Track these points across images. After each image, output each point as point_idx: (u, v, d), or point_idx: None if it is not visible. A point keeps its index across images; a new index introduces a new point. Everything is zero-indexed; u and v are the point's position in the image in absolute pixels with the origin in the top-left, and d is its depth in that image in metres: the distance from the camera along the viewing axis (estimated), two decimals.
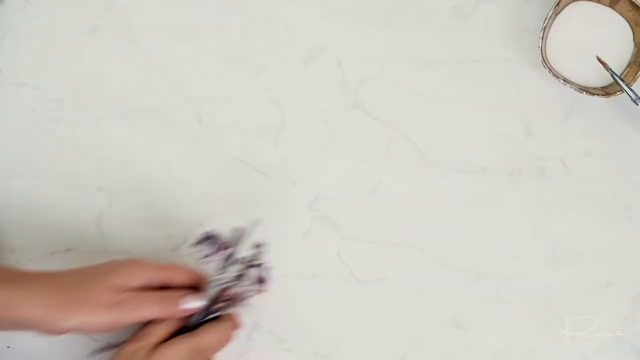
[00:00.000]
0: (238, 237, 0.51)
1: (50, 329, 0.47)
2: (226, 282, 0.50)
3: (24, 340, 0.56)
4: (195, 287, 0.51)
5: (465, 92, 0.59)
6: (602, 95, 0.56)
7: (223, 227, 0.51)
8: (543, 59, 0.56)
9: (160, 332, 0.48)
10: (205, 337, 0.49)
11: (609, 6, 0.57)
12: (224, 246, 0.51)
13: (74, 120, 0.58)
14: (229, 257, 0.51)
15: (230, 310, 0.51)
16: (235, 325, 0.52)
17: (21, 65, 0.59)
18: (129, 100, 0.59)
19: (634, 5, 0.56)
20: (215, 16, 0.59)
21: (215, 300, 0.50)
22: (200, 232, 0.51)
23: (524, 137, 0.58)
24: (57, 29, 0.59)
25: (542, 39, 0.56)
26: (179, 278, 0.50)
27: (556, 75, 0.56)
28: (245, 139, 0.58)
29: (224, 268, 0.51)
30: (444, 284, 0.57)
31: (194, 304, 0.50)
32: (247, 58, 0.59)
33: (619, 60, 0.57)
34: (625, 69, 0.57)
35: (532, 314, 0.56)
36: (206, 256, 0.50)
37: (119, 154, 0.58)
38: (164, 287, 0.50)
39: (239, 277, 0.51)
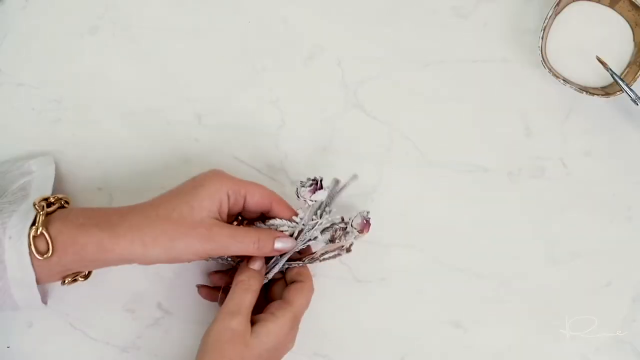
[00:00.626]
0: (335, 188, 0.53)
1: (146, 262, 0.49)
2: (317, 228, 0.51)
3: (24, 340, 0.56)
4: (268, 213, 0.52)
5: (465, 92, 0.59)
6: (602, 95, 0.56)
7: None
8: (543, 59, 0.56)
9: (251, 301, 0.49)
10: (300, 303, 0.50)
11: (609, 6, 0.57)
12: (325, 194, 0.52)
13: (74, 120, 0.58)
14: (324, 204, 0.52)
15: (313, 262, 0.53)
16: (312, 285, 0.52)
17: (21, 65, 0.59)
18: (129, 100, 0.59)
19: (634, 5, 0.56)
20: (215, 16, 0.59)
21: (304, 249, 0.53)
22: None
23: (524, 137, 0.58)
24: (57, 29, 0.59)
25: (542, 39, 0.56)
26: (257, 193, 0.51)
27: (556, 75, 0.56)
28: (245, 139, 0.58)
29: (317, 214, 0.52)
30: (444, 284, 0.57)
31: (287, 244, 0.51)
32: (247, 58, 0.59)
33: (619, 60, 0.57)
34: (625, 69, 0.57)
35: (532, 314, 0.56)
36: (306, 195, 0.51)
37: (119, 154, 0.58)
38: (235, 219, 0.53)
39: (332, 228, 0.52)
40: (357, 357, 0.56)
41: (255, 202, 0.51)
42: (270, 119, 0.59)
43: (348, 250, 0.54)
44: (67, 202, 0.52)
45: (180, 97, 0.59)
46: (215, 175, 0.50)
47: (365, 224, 0.52)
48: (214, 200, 0.49)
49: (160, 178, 0.58)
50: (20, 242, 0.46)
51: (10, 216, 0.48)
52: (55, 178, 0.57)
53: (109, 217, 0.48)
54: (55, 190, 0.56)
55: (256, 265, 0.51)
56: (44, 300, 0.53)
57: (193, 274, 0.56)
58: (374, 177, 0.58)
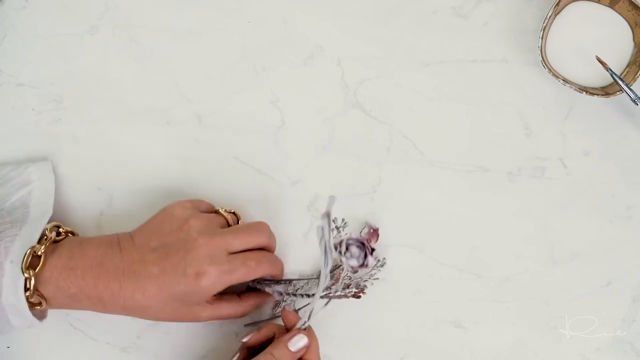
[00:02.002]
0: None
1: None
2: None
3: (24, 340, 0.56)
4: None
5: (465, 92, 0.59)
6: (602, 95, 0.56)
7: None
8: (543, 59, 0.56)
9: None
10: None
11: (608, 6, 0.57)
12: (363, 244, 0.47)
13: (74, 120, 0.58)
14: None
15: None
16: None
17: (21, 65, 0.59)
18: (129, 100, 0.59)
19: (634, 5, 0.56)
20: (215, 16, 0.59)
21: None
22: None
23: (524, 137, 0.58)
24: (57, 29, 0.59)
25: (542, 39, 0.56)
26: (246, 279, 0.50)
27: (556, 75, 0.56)
28: (245, 139, 0.58)
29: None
30: (444, 284, 0.57)
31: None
32: (247, 58, 0.59)
33: (619, 60, 0.57)
34: (625, 69, 0.57)
35: (532, 314, 0.56)
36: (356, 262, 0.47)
37: (119, 154, 0.58)
38: None
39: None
40: (357, 357, 0.56)
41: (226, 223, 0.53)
42: (270, 119, 0.59)
43: (357, 296, 0.53)
44: (58, 234, 0.51)
45: (180, 97, 0.59)
46: (208, 280, 0.48)
47: (373, 233, 0.53)
48: (205, 299, 0.49)
49: (160, 178, 0.58)
50: (18, 269, 0.47)
51: (13, 241, 0.48)
52: (54, 180, 0.57)
53: (101, 294, 0.48)
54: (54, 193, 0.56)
55: (294, 346, 0.49)
56: (42, 317, 0.53)
57: None
58: (374, 177, 0.58)
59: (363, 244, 0.46)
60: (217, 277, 0.48)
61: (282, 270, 0.54)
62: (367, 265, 0.46)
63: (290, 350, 0.49)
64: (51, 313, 0.55)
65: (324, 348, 0.56)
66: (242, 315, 0.53)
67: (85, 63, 0.59)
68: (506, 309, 0.57)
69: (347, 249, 0.46)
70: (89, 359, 0.56)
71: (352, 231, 0.55)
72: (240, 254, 0.50)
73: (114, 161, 0.58)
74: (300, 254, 0.57)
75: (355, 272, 0.48)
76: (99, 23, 0.59)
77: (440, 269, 0.57)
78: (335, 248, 0.45)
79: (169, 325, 0.56)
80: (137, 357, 0.56)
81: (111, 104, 0.59)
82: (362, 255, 0.46)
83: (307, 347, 0.49)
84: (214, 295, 0.50)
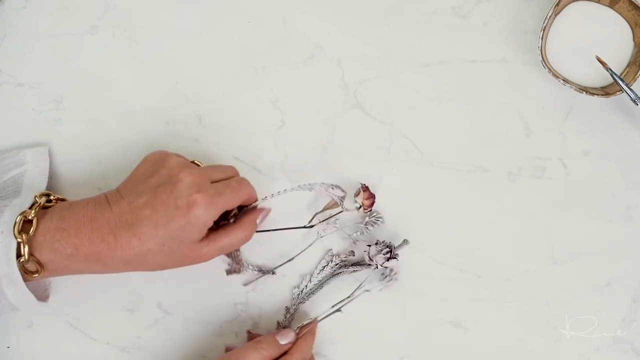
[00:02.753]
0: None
1: None
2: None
3: (24, 340, 0.56)
4: None
5: (465, 92, 0.59)
6: (602, 95, 0.56)
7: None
8: (543, 59, 0.56)
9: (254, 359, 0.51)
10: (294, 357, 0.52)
11: (608, 6, 0.57)
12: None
13: (74, 120, 0.58)
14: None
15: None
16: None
17: (21, 65, 0.59)
18: (129, 100, 0.59)
19: (634, 5, 0.56)
20: (215, 16, 0.60)
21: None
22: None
23: (524, 137, 0.58)
24: (57, 29, 0.59)
25: (542, 39, 0.56)
26: (235, 204, 0.52)
27: (556, 75, 0.56)
28: (245, 139, 0.58)
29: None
30: (444, 284, 0.57)
31: (266, 214, 0.55)
32: (247, 58, 0.59)
33: (619, 60, 0.57)
34: (625, 69, 0.57)
35: (532, 314, 0.56)
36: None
37: (119, 154, 0.58)
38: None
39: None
40: (357, 357, 0.56)
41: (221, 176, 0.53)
42: (270, 119, 0.59)
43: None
44: (48, 201, 0.51)
45: (180, 97, 0.59)
46: (199, 208, 0.48)
47: (366, 191, 0.55)
48: (201, 232, 0.49)
49: None
50: (9, 239, 0.46)
51: (2, 212, 0.47)
52: (54, 178, 0.57)
53: (97, 249, 0.47)
54: (51, 189, 0.56)
55: (282, 340, 0.52)
56: (44, 298, 0.53)
57: (193, 274, 0.56)
58: (374, 177, 0.58)
59: (391, 249, 0.54)
60: (207, 203, 0.48)
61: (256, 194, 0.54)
62: (382, 259, 0.54)
63: (277, 341, 0.52)
64: (51, 313, 0.55)
65: (323, 348, 0.56)
66: (244, 241, 0.52)
67: (85, 63, 0.59)
68: (506, 309, 0.57)
69: (377, 242, 0.55)
70: (89, 359, 0.56)
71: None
72: (222, 181, 0.51)
73: (114, 161, 0.58)
74: (300, 254, 0.57)
75: (370, 259, 0.54)
76: (99, 23, 0.59)
77: (440, 269, 0.57)
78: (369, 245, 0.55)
79: (169, 325, 0.56)
80: (137, 357, 0.56)
81: (111, 103, 0.59)
82: (387, 253, 0.54)
83: (292, 344, 0.53)
84: (210, 231, 0.50)
